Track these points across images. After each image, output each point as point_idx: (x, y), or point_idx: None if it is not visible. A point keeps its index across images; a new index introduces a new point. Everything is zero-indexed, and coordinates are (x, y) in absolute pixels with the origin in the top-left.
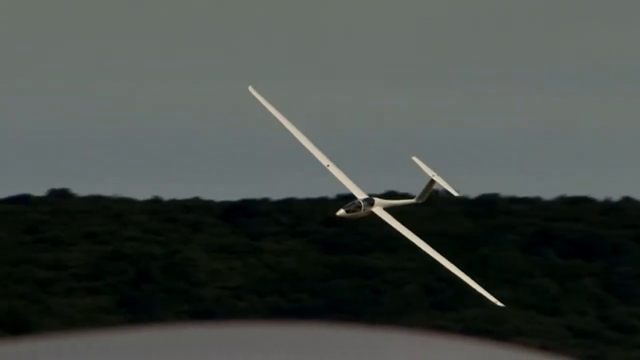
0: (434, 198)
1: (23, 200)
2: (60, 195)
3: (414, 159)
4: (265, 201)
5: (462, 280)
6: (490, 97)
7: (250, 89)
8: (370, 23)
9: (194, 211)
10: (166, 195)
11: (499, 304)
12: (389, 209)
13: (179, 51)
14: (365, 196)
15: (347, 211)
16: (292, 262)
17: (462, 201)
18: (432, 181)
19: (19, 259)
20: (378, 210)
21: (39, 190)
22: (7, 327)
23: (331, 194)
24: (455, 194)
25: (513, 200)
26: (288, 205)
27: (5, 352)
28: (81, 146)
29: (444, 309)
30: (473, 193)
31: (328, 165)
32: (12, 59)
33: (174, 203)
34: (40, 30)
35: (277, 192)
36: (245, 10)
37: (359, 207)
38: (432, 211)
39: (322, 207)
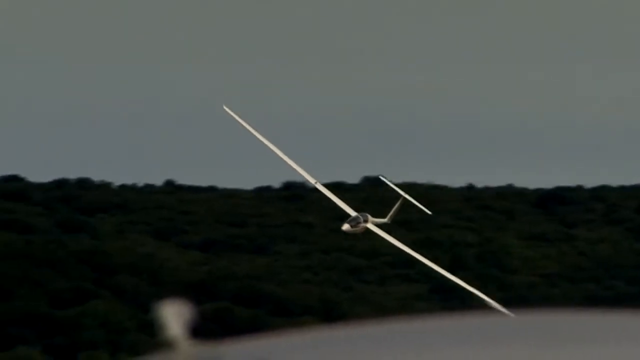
0: None
1: (337, 187)
2: (374, 183)
3: (382, 178)
4: (579, 189)
5: None
6: None
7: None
8: None
9: (507, 199)
10: (480, 183)
11: None
12: (378, 225)
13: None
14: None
15: (350, 226)
16: (606, 250)
17: None
18: (402, 201)
19: (331, 246)
20: (370, 225)
21: (353, 177)
22: (321, 314)
23: None
24: (429, 212)
25: None
26: (602, 192)
27: (319, 338)
28: (396, 134)
29: None
30: None
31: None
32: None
33: (487, 191)
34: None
35: (591, 180)
36: None
37: (359, 222)
38: None
39: (636, 195)
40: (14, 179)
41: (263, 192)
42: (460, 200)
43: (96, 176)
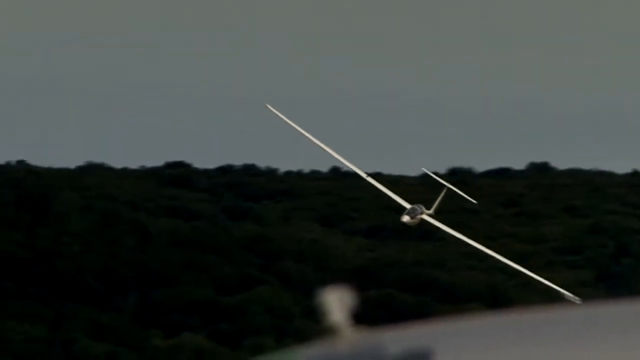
0: None
1: (503, 173)
2: (539, 169)
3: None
4: None
5: None
6: None
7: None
8: None
9: None
10: None
11: None
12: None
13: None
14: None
15: (410, 217)
16: None
17: None
18: (446, 191)
19: (498, 232)
20: (425, 216)
21: (519, 163)
22: (487, 300)
23: None
24: (474, 201)
25: None
26: None
27: (484, 325)
28: (561, 120)
29: None
30: None
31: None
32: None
33: None
34: None
35: None
36: None
37: (417, 214)
38: None
39: None
40: (180, 165)
41: (428, 178)
42: (625, 186)
43: (262, 162)
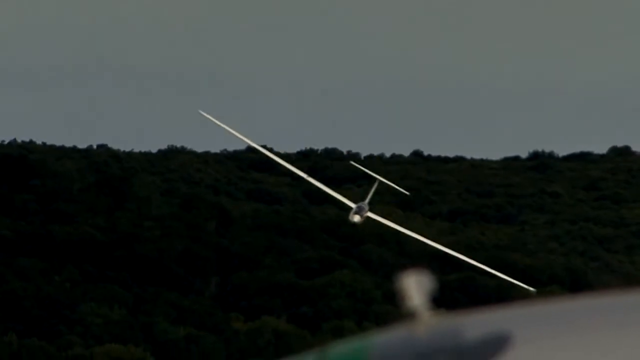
0: None
1: (584, 157)
2: (621, 153)
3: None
4: None
5: None
6: None
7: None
8: None
9: None
10: None
11: None
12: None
13: None
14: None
15: (360, 216)
16: None
17: None
18: (377, 183)
19: (578, 216)
20: (369, 213)
21: (601, 147)
22: (567, 283)
23: None
24: (407, 193)
25: None
26: None
27: (563, 308)
28: None
29: None
30: None
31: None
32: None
33: None
34: None
35: None
36: None
37: (366, 211)
38: None
39: None
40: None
41: (510, 162)
42: None
43: (343, 147)
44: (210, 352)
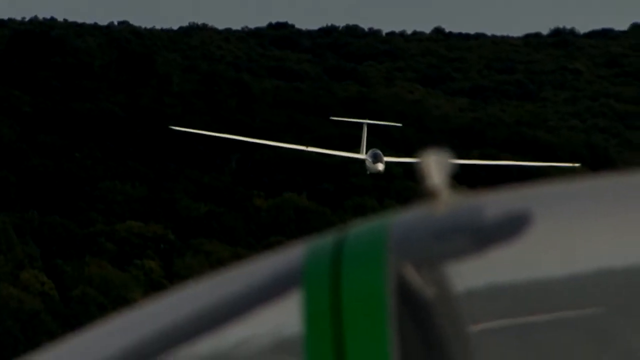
0: None
1: (605, 34)
2: None
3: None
4: None
5: None
6: None
7: None
8: None
9: None
10: None
11: None
12: None
13: None
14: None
15: (381, 162)
16: None
17: None
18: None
19: (599, 92)
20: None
21: (622, 24)
22: (588, 160)
23: None
24: (398, 125)
25: None
26: None
27: (586, 187)
28: None
29: None
30: None
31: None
32: None
33: None
34: None
35: None
36: None
37: (381, 155)
38: None
39: None
40: (283, 26)
41: (531, 38)
42: None
43: (364, 23)
44: (231, 229)
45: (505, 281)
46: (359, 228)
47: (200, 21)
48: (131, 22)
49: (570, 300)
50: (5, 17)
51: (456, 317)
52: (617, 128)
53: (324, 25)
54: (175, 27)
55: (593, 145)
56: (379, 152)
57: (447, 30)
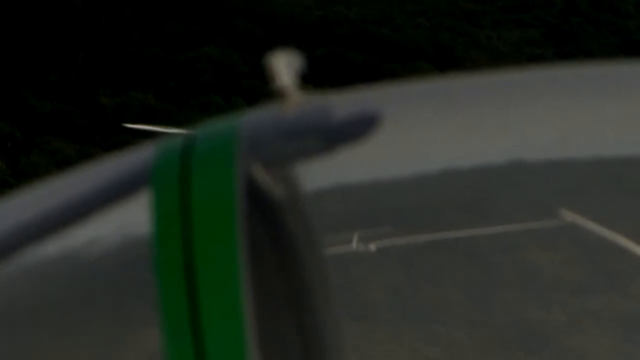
0: None
1: None
2: None
3: None
4: None
5: None
6: None
7: None
8: None
9: None
10: None
11: None
12: None
13: None
14: None
15: None
16: None
17: None
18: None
19: None
20: None
21: None
22: (434, 59)
23: None
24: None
25: None
26: None
27: (435, 87)
28: None
29: None
30: None
31: None
32: None
33: None
34: None
35: None
36: None
37: None
38: None
39: None
40: None
41: None
42: None
43: None
44: (77, 127)
45: (353, 181)
46: (209, 127)
47: None
48: None
49: (417, 199)
50: None
51: (305, 216)
52: (464, 27)
53: None
54: None
55: (439, 44)
56: None
57: None
